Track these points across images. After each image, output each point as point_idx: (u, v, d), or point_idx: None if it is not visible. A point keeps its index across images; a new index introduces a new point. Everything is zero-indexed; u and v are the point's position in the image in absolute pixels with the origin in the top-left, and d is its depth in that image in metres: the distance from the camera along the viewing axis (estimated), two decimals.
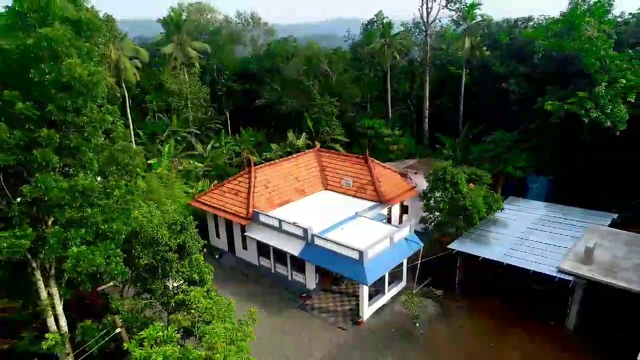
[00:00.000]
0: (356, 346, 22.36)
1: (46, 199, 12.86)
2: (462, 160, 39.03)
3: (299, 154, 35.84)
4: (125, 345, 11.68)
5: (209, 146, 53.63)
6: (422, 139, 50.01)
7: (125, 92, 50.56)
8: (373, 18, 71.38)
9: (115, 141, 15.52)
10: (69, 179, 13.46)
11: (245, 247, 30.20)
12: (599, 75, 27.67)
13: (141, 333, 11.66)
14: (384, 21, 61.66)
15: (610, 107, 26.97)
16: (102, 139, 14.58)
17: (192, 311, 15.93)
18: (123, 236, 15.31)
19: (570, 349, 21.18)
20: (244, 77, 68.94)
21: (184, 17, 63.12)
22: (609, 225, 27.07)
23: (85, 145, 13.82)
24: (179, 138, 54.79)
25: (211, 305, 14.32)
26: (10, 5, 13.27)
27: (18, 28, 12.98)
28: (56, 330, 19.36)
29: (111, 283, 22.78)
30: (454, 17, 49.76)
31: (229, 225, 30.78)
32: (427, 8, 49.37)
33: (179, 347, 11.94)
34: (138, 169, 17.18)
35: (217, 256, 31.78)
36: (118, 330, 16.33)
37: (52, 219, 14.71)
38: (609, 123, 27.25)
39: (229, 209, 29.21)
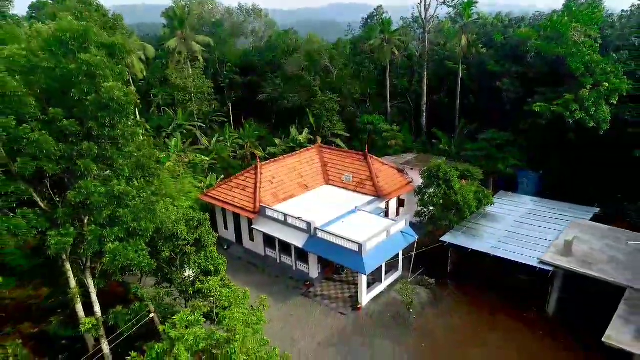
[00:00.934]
0: (355, 330, 24.61)
1: (88, 202, 14.85)
2: (457, 155, 41.03)
3: (302, 150, 37.75)
4: (160, 327, 13.77)
5: (214, 140, 55.43)
6: (420, 134, 51.88)
7: (133, 87, 52.21)
8: (373, 12, 72.81)
9: (141, 148, 17.44)
10: (105, 184, 15.43)
11: (252, 239, 32.35)
12: (584, 78, 29.48)
13: (174, 317, 13.75)
14: (384, 16, 63.21)
15: (594, 109, 28.86)
16: (131, 147, 16.48)
17: (211, 298, 18.06)
18: (150, 233, 17.33)
19: (550, 333, 23.43)
20: (246, 69, 70.42)
21: (186, 10, 64.19)
22: (592, 219, 29.20)
23: (118, 154, 15.79)
24: (184, 131, 56.48)
25: (229, 293, 16.38)
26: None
27: (60, 53, 14.81)
28: (83, 316, 21.64)
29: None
30: (452, 15, 51.31)
31: (236, 218, 32.88)
32: (425, 5, 50.91)
33: (204, 329, 14.07)
34: (159, 172, 19.23)
35: (225, 247, 33.91)
36: (152, 315, 18.48)
37: (88, 218, 16.73)
38: (593, 124, 29.17)
39: (237, 204, 31.27)
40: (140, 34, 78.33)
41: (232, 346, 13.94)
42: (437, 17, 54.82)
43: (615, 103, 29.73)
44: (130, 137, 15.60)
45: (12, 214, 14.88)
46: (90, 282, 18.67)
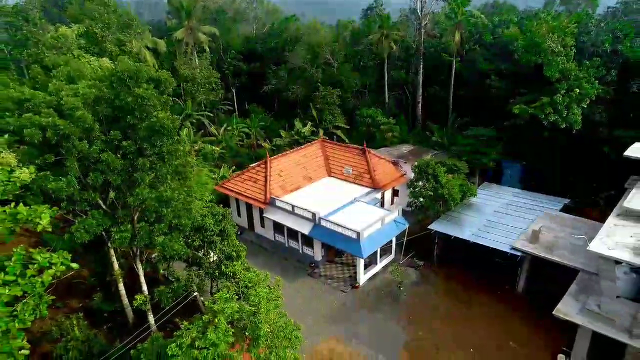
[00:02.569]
0: (354, 305, 29.01)
1: (143, 206, 18.82)
2: (449, 147, 44.83)
3: (306, 145, 41.54)
4: (207, 303, 17.87)
5: (222, 129, 58.99)
6: (416, 125, 55.44)
7: None
8: (372, 3, 75.18)
9: (179, 158, 21.30)
10: (155, 190, 19.37)
11: (263, 225, 36.50)
12: (559, 84, 33.03)
13: (215, 295, 17.87)
14: (382, 8, 65.88)
15: (566, 112, 32.56)
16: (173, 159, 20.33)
17: (236, 280, 22.18)
18: (188, 228, 21.37)
19: (518, 306, 27.78)
20: (249, 56, 73.28)
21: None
22: (563, 208, 33.26)
23: (162, 165, 19.67)
24: (193, 121, 59.95)
25: (253, 276, 20.47)
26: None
27: (119, 87, 18.50)
28: (124, 294, 26.05)
29: (154, 255, 29.33)
30: (447, 11, 54.10)
31: (249, 207, 36.94)
32: (421, 1, 53.84)
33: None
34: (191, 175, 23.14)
35: (239, 232, 38.03)
36: (195, 293, 22.69)
37: (138, 216, 20.73)
38: (565, 125, 32.92)
39: (250, 195, 35.30)
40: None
41: (257, 317, 18.09)
42: (433, 12, 57.54)
43: (585, 106, 33.33)
44: (174, 152, 19.42)
45: (84, 216, 18.85)
46: (139, 267, 22.82)
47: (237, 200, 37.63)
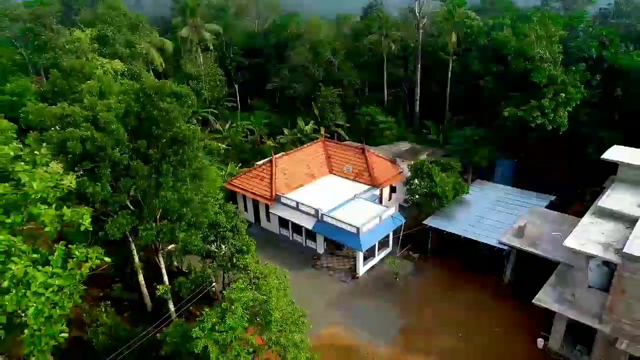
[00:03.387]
0: (354, 293, 31.57)
1: (166, 206, 21.19)
2: (444, 145, 47.15)
3: (309, 144, 43.82)
4: (227, 292, 20.29)
5: (227, 125, 61.13)
6: (413, 122, 57.65)
7: (145, 72, 57.53)
8: (372, 1, 76.96)
9: (197, 162, 23.63)
10: (177, 192, 21.72)
11: (268, 220, 38.94)
12: (546, 88, 35.23)
13: (232, 285, 20.31)
14: (382, 7, 67.66)
15: (553, 115, 34.84)
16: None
17: (249, 272, 24.62)
18: (206, 225, 23.77)
19: (504, 295, 30.33)
20: (251, 52, 75.34)
21: None
22: (548, 205, 35.65)
23: (184, 171, 22.00)
24: (199, 118, 62.03)
25: (264, 269, 22.87)
26: None
27: (145, 101, 20.76)
28: (144, 284, 28.55)
29: (169, 247, 31.81)
30: (444, 11, 55.94)
31: (255, 202, 39.35)
32: (419, 3, 55.79)
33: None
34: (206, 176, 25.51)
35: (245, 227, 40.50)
36: (214, 284, 25.16)
37: (160, 214, 23.11)
38: (551, 127, 35.23)
39: (257, 192, 37.69)
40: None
41: (269, 305, 20.55)
42: (431, 12, 59.35)
43: (570, 110, 35.57)
44: (194, 158, 21.75)
45: (115, 215, 21.23)
46: (161, 260, 25.29)
47: (244, 196, 40.02)
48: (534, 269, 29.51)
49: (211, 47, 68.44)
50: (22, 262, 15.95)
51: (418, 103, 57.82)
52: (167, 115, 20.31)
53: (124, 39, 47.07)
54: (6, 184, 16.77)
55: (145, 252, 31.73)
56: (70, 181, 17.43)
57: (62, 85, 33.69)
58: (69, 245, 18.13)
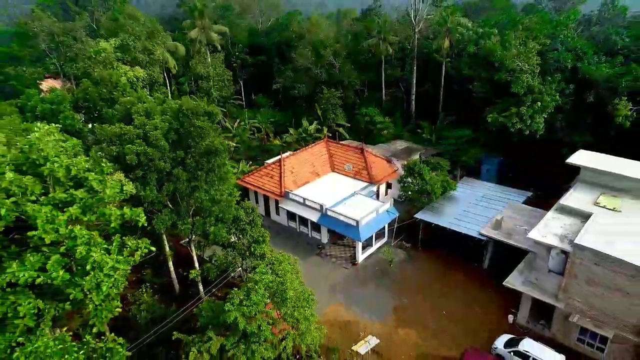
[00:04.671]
0: (354, 278, 36.43)
1: (201, 206, 25.85)
2: (437, 143, 51.72)
3: (313, 144, 48.38)
4: (251, 276, 24.98)
5: (236, 124, 65.55)
6: (409, 121, 61.99)
7: (167, 79, 61.98)
8: (371, 4, 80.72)
9: (224, 168, 28.22)
10: (208, 194, 26.36)
11: (278, 213, 43.67)
12: (525, 97, 39.70)
13: (256, 270, 25.05)
14: (380, 9, 71.61)
15: (530, 121, 39.38)
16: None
17: (265, 259, 29.34)
18: (230, 220, 28.47)
19: (483, 279, 35.15)
20: (255, 49, 79.69)
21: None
22: (525, 201, 40.33)
23: (214, 176, 26.62)
24: None
25: (279, 256, 27.58)
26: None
27: (183, 120, 25.27)
28: (173, 270, 33.27)
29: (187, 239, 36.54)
30: (439, 19, 59.98)
31: (266, 198, 44.03)
32: (414, 9, 59.86)
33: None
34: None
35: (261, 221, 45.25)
36: (239, 269, 29.92)
37: (193, 211, 27.79)
38: (529, 132, 39.81)
39: (267, 189, 42.38)
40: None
41: (285, 286, 25.30)
42: (427, 17, 63.28)
43: (546, 116, 40.09)
44: (223, 165, 26.35)
45: (159, 213, 25.89)
46: (193, 249, 30.07)
47: (255, 192, 44.69)
48: (509, 256, 34.29)
49: (219, 48, 72.54)
50: (99, 251, 20.67)
51: (414, 103, 62.20)
52: (201, 131, 24.85)
53: (142, 45, 51.18)
54: (82, 190, 21.43)
55: (174, 243, 36.57)
56: (131, 188, 22.09)
57: (93, 93, 38.14)
58: (123, 237, 22.88)
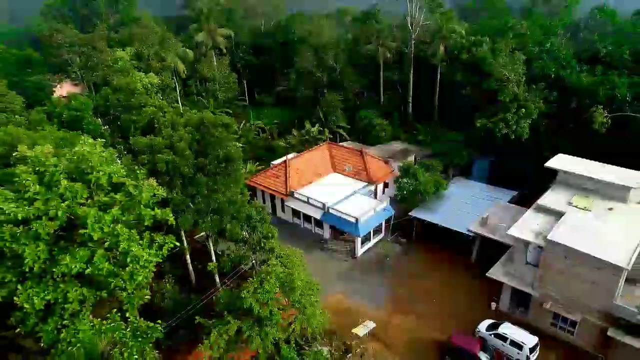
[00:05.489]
0: (353, 270, 40.19)
1: (218, 206, 29.45)
2: (431, 145, 55.25)
3: (316, 147, 51.94)
4: (264, 268, 28.58)
5: (242, 125, 68.88)
6: (406, 122, 65.40)
7: (176, 84, 65.34)
8: (371, 8, 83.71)
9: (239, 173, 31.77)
10: (224, 195, 29.93)
11: (283, 211, 47.29)
12: (511, 104, 43.20)
13: (267, 262, 28.67)
14: (378, 18, 74.79)
15: (515, 126, 42.92)
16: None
17: (275, 253, 32.93)
18: (244, 219, 32.08)
19: (471, 271, 38.80)
20: (258, 50, 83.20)
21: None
22: (510, 199, 43.93)
23: (231, 180, 30.19)
24: None
25: (287, 250, 31.19)
26: None
27: (204, 131, 28.75)
28: (189, 262, 36.85)
29: (202, 234, 40.27)
30: (434, 26, 63.22)
31: (272, 196, 47.62)
32: (411, 18, 63.15)
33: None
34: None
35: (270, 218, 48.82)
36: (252, 262, 33.55)
37: (211, 210, 31.38)
38: (514, 136, 43.38)
39: (274, 188, 46.00)
40: None
41: (293, 276, 28.93)
42: (423, 25, 66.43)
43: (530, 121, 43.61)
44: (238, 170, 29.90)
45: (182, 213, 29.48)
46: (210, 244, 33.72)
47: (262, 191, 48.28)
48: (494, 250, 37.93)
49: (224, 51, 75.79)
50: (136, 246, 24.24)
51: (410, 105, 65.64)
52: (220, 141, 28.40)
53: (155, 52, 54.53)
54: (120, 194, 24.99)
55: (190, 239, 40.17)
56: (162, 192, 25.67)
57: (112, 100, 41.66)
58: (152, 234, 26.46)
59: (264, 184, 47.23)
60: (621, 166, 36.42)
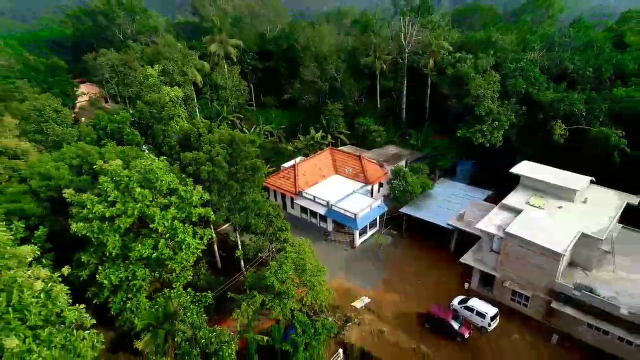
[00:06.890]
0: (353, 258, 48.13)
1: (245, 205, 37.26)
2: (422, 149, 63.01)
3: (320, 152, 59.68)
4: (282, 254, 36.37)
5: (252, 129, 76.57)
6: (401, 127, 73.01)
7: (194, 93, 72.87)
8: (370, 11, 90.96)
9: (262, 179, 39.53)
10: (249, 197, 37.71)
11: (292, 207, 55.15)
12: (486, 117, 50.92)
13: (284, 250, 36.51)
14: (377, 24, 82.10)
15: (490, 136, 50.69)
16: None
17: (288, 242, 40.72)
18: (265, 215, 39.89)
19: (449, 258, 46.63)
20: (264, 55, 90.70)
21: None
22: (486, 198, 51.78)
23: (254, 185, 37.97)
24: (228, 122, 77.31)
25: (300, 240, 38.95)
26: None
27: (235, 146, 36.47)
28: (216, 251, 44.77)
29: (225, 226, 48.21)
30: (426, 41, 70.51)
31: (282, 195, 55.45)
32: (404, 33, 70.51)
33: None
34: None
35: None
36: (272, 250, 41.42)
37: (240, 208, 39.18)
38: (488, 144, 51.19)
39: (285, 188, 53.83)
40: None
41: (304, 261, 36.78)
42: (416, 39, 73.71)
43: (503, 132, 51.34)
44: (262, 177, 37.66)
45: (218, 211, 37.24)
46: (237, 235, 41.62)
47: (274, 191, 56.11)
48: (469, 241, 45.79)
49: (235, 60, 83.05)
50: (189, 236, 32.05)
51: (404, 112, 73.25)
52: (248, 154, 36.16)
53: (178, 68, 62.00)
54: (174, 197, 32.80)
55: (218, 231, 48.04)
56: (207, 196, 33.49)
57: (146, 113, 49.36)
58: (194, 227, 34.28)
59: (276, 184, 55.05)
60: (578, 171, 43.74)
